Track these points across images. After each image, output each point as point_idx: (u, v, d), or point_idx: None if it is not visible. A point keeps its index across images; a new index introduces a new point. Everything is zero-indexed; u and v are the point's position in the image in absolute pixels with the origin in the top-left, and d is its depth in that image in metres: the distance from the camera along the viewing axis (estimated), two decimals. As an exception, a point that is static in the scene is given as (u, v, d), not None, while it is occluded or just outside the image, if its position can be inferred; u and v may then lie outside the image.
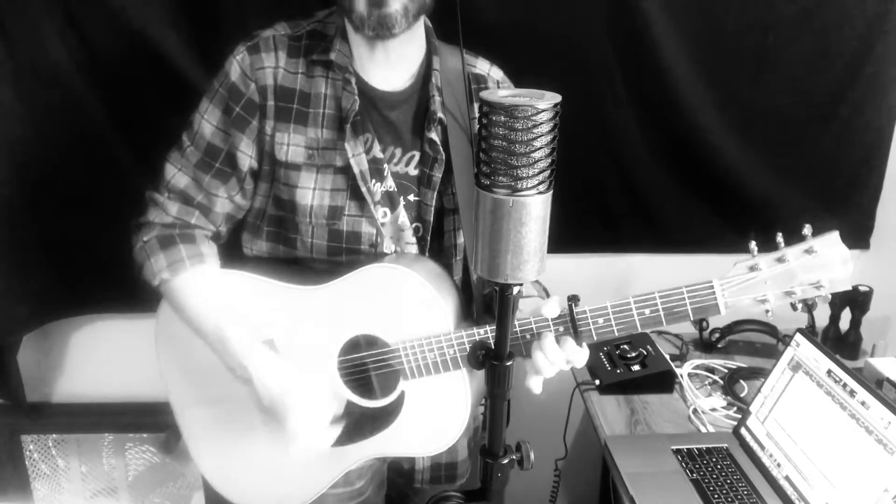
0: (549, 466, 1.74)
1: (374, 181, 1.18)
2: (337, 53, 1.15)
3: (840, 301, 1.74)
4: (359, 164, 1.16)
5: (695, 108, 1.72)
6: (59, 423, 1.87)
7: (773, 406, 1.41)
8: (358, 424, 1.20)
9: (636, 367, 1.64)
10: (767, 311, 1.05)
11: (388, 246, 1.21)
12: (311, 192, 1.17)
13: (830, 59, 1.73)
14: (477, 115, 1.10)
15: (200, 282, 1.17)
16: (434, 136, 1.18)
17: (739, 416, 1.52)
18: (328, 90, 1.16)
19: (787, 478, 1.31)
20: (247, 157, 1.17)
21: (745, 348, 1.83)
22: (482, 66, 1.27)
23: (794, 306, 1.05)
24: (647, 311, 1.06)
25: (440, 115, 1.18)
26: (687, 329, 1.81)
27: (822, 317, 1.78)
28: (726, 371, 1.71)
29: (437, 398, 1.17)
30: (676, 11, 1.64)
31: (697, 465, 1.38)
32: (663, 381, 1.64)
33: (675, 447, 1.42)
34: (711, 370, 1.73)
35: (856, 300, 1.73)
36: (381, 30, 1.07)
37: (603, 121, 1.73)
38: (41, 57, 1.51)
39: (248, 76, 1.14)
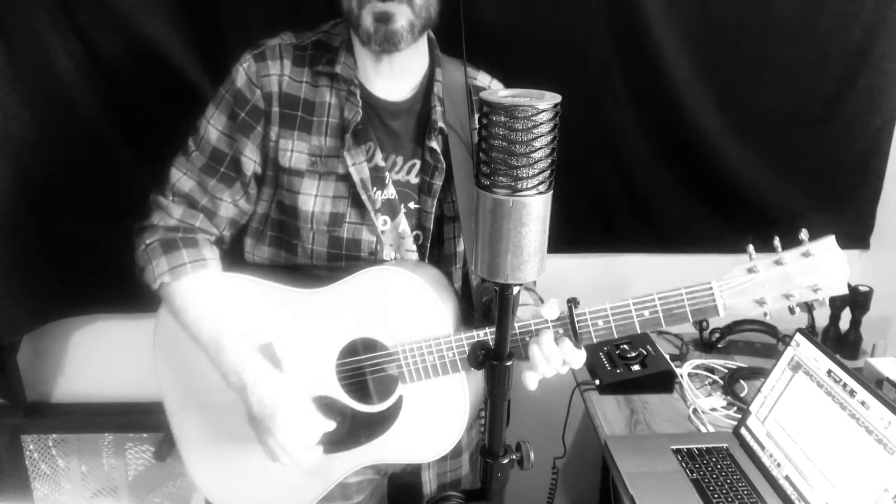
0: (548, 466, 1.74)
1: (375, 189, 1.19)
2: (342, 66, 1.17)
3: (840, 301, 1.74)
4: (359, 172, 1.17)
5: (695, 109, 1.73)
6: (59, 423, 1.87)
7: (773, 406, 1.41)
8: (355, 430, 1.19)
9: (636, 367, 1.64)
10: (766, 314, 1.06)
11: (387, 254, 1.22)
12: (313, 199, 1.18)
13: (831, 59, 1.73)
14: (477, 125, 1.11)
15: (201, 287, 1.18)
16: (435, 144, 1.19)
17: (739, 416, 1.52)
18: (332, 100, 1.17)
19: (787, 478, 1.31)
20: (251, 161, 1.18)
21: (745, 348, 1.83)
22: (483, 79, 1.29)
23: (791, 310, 1.05)
24: (646, 312, 1.06)
25: (441, 124, 1.19)
26: (687, 329, 1.80)
27: (823, 317, 1.78)
28: (726, 371, 1.71)
29: (436, 402, 1.17)
30: (677, 12, 1.64)
31: (697, 465, 1.38)
32: (663, 381, 1.64)
33: (675, 447, 1.42)
34: (711, 370, 1.73)
35: (856, 300, 1.73)
36: (387, 45, 1.09)
37: (603, 121, 1.73)
38: (41, 57, 1.51)
39: (253, 83, 1.15)
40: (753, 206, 1.83)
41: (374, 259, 1.21)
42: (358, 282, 1.14)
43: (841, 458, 1.23)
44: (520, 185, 0.75)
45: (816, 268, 1.03)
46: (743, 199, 1.82)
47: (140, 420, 1.82)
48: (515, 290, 0.84)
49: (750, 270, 1.05)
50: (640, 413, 1.57)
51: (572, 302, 1.06)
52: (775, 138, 1.79)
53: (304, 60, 1.17)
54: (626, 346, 1.68)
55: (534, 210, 0.76)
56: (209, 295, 1.18)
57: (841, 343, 1.78)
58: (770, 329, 1.81)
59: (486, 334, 1.12)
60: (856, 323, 1.77)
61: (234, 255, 1.28)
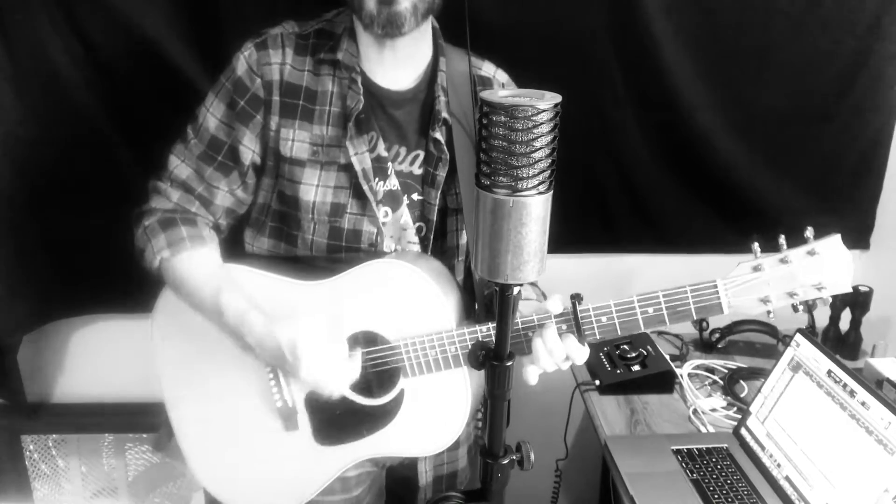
0: (550, 467, 1.74)
1: (377, 179, 1.19)
2: (344, 53, 1.16)
3: (840, 301, 1.74)
4: (361, 162, 1.16)
5: (695, 108, 1.73)
6: (59, 423, 1.87)
7: (773, 406, 1.41)
8: (356, 423, 1.19)
9: (636, 368, 1.64)
10: (769, 313, 1.06)
11: (388, 245, 1.22)
12: (314, 189, 1.18)
13: (830, 59, 1.73)
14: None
15: (199, 259, 1.17)
16: (438, 135, 1.18)
17: (739, 416, 1.52)
18: (334, 88, 1.16)
19: (787, 478, 1.31)
20: (249, 151, 1.18)
21: (745, 348, 1.83)
22: (488, 69, 1.28)
23: (795, 308, 1.05)
24: (650, 309, 1.06)
25: (445, 115, 1.18)
26: (687, 329, 1.81)
27: (823, 317, 1.78)
28: (726, 371, 1.71)
29: (437, 397, 1.17)
30: (677, 12, 1.64)
31: (697, 466, 1.38)
32: (663, 382, 1.64)
33: (675, 447, 1.42)
34: (711, 370, 1.73)
35: (856, 300, 1.73)
36: (390, 28, 1.07)
37: (603, 121, 1.73)
38: (41, 56, 1.51)
39: (254, 71, 1.15)
40: (753, 206, 1.83)
41: (375, 251, 1.21)
42: (360, 274, 1.14)
43: (841, 459, 1.23)
44: (520, 185, 0.75)
45: (821, 266, 1.03)
46: (743, 199, 1.82)
47: (140, 420, 1.82)
48: (516, 290, 0.85)
49: (755, 268, 1.05)
50: (640, 413, 1.57)
51: (576, 298, 1.05)
52: (775, 138, 1.79)
53: (306, 49, 1.17)
54: (626, 347, 1.68)
55: (534, 210, 0.76)
56: (208, 266, 1.17)
57: (841, 343, 1.78)
58: (770, 329, 1.81)
59: (489, 329, 1.11)
60: (856, 323, 1.77)
61: (234, 246, 1.28)
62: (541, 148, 0.74)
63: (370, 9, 1.07)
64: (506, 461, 0.91)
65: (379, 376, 1.19)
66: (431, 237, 1.23)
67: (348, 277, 1.15)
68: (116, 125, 1.59)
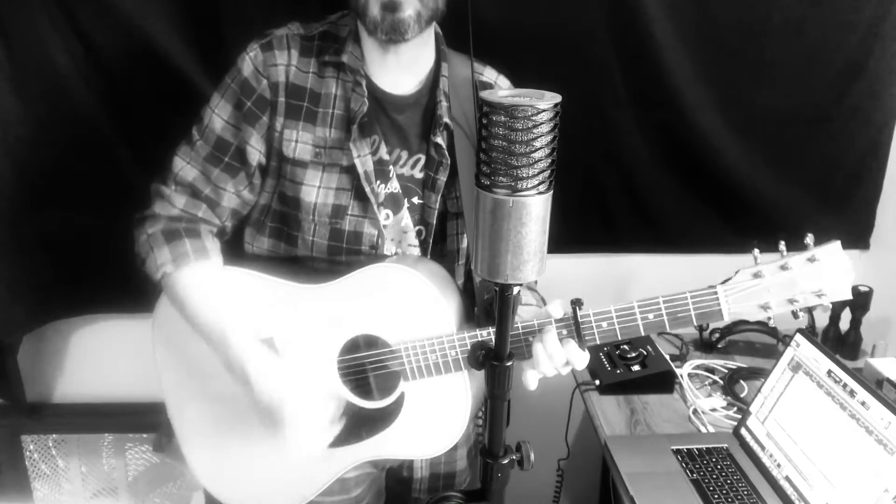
0: (552, 467, 1.74)
1: (379, 182, 1.19)
2: (349, 56, 1.16)
3: (840, 302, 1.74)
4: (363, 164, 1.16)
5: (695, 109, 1.72)
6: (59, 423, 1.87)
7: (773, 406, 1.41)
8: (356, 426, 1.20)
9: (636, 368, 1.64)
10: (770, 319, 1.05)
11: (388, 248, 1.22)
12: (316, 190, 1.18)
13: (830, 59, 1.73)
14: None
15: (203, 277, 1.17)
16: (440, 140, 1.19)
17: (739, 416, 1.52)
18: (338, 91, 1.17)
19: (787, 478, 1.31)
20: (256, 151, 1.18)
21: (745, 348, 1.83)
22: (490, 75, 1.29)
23: (795, 314, 1.05)
24: (650, 315, 1.06)
25: (446, 119, 1.19)
26: (687, 329, 1.80)
27: (822, 317, 1.78)
28: (726, 371, 1.71)
29: (437, 400, 1.17)
30: (677, 12, 1.64)
31: (697, 466, 1.38)
32: (663, 382, 1.64)
33: (675, 447, 1.42)
34: (711, 370, 1.73)
35: (856, 300, 1.73)
36: (393, 34, 1.08)
37: (603, 121, 1.73)
38: (41, 56, 1.51)
39: (260, 72, 1.15)
40: (753, 206, 1.83)
41: (375, 253, 1.21)
42: (360, 278, 1.14)
43: (841, 459, 1.23)
44: (520, 185, 0.75)
45: (821, 273, 1.03)
46: (743, 199, 1.82)
47: (140, 420, 1.82)
48: (515, 290, 0.85)
49: (755, 275, 1.04)
50: (640, 413, 1.57)
51: (576, 303, 1.05)
52: (775, 138, 1.79)
53: (311, 51, 1.17)
54: (626, 347, 1.68)
55: (534, 210, 0.76)
56: (211, 285, 1.17)
57: (841, 343, 1.78)
58: (770, 329, 1.81)
59: (489, 333, 1.11)
60: (856, 323, 1.77)
61: (233, 246, 1.28)
62: (541, 148, 0.74)
63: (374, 15, 1.07)
64: (506, 461, 0.91)
65: (379, 379, 1.19)
66: (431, 241, 1.23)
67: (349, 281, 1.15)
68: (116, 125, 1.59)
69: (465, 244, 1.28)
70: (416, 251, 1.24)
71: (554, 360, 1.05)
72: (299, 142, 1.17)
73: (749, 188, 1.81)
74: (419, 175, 1.22)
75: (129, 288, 1.52)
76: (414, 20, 1.07)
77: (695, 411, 1.57)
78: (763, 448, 1.39)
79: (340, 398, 1.18)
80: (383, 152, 1.19)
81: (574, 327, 1.06)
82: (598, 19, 1.63)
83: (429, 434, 1.19)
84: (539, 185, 0.75)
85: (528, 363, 1.08)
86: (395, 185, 1.21)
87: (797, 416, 1.35)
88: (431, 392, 1.17)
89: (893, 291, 1.82)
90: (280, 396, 1.12)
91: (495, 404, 0.90)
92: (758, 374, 1.68)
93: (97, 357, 1.87)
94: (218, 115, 1.18)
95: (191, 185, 1.19)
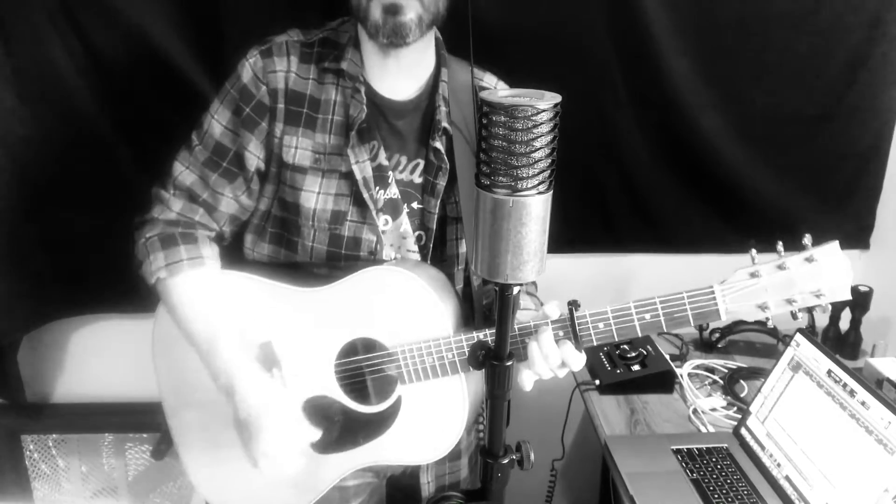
0: (546, 467, 1.74)
1: (377, 188, 1.19)
2: (348, 63, 1.17)
3: (840, 301, 1.74)
4: (362, 171, 1.17)
5: (695, 109, 1.72)
6: (59, 423, 1.87)
7: (773, 406, 1.41)
8: (352, 431, 1.19)
9: (636, 367, 1.64)
10: (768, 319, 1.05)
11: (387, 254, 1.22)
12: (315, 196, 1.18)
13: (830, 59, 1.73)
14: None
15: (196, 285, 1.17)
16: (439, 145, 1.19)
17: (739, 416, 1.52)
18: (338, 97, 1.17)
19: (787, 478, 1.31)
20: (254, 157, 1.18)
21: (745, 348, 1.83)
22: (489, 80, 1.29)
23: (794, 315, 1.05)
24: (647, 315, 1.06)
25: (445, 124, 1.19)
26: (687, 329, 1.81)
27: (822, 317, 1.78)
28: (726, 371, 1.71)
29: (435, 404, 1.17)
30: (677, 11, 1.64)
31: (697, 465, 1.38)
32: (663, 381, 1.64)
33: (675, 447, 1.42)
34: (711, 370, 1.73)
35: (856, 300, 1.73)
36: (395, 38, 1.08)
37: (603, 121, 1.73)
38: (40, 56, 1.51)
39: (259, 79, 1.15)
40: (753, 206, 1.83)
41: (374, 259, 1.21)
42: (358, 281, 1.14)
43: (841, 459, 1.23)
44: (520, 185, 0.75)
45: (820, 273, 1.03)
46: (743, 199, 1.82)
47: (140, 420, 1.82)
48: (515, 290, 0.85)
49: (753, 275, 1.04)
50: (640, 413, 1.57)
51: (573, 304, 1.05)
52: (775, 138, 1.79)
53: (310, 57, 1.17)
54: (626, 347, 1.68)
55: (534, 210, 0.76)
56: (204, 293, 1.18)
57: (841, 343, 1.78)
58: (770, 329, 1.81)
59: (487, 335, 1.11)
60: (856, 323, 1.76)
61: (234, 252, 1.28)
62: (541, 148, 0.74)
63: (376, 19, 1.07)
64: (506, 461, 0.91)
65: (376, 383, 1.19)
66: (431, 246, 1.23)
67: (346, 284, 1.15)
68: (116, 125, 1.59)
69: (464, 249, 1.28)
70: (416, 256, 1.24)
71: (549, 361, 1.05)
72: (299, 148, 1.17)
73: (749, 188, 1.81)
74: (418, 180, 1.22)
75: (129, 288, 1.51)
76: (415, 24, 1.07)
77: (695, 411, 1.57)
78: (763, 448, 1.39)
79: (333, 408, 1.18)
80: (382, 158, 1.19)
81: (570, 328, 1.06)
82: (598, 19, 1.63)
83: (426, 438, 1.19)
84: (539, 185, 0.76)
85: (524, 364, 1.08)
86: (394, 191, 1.21)
87: (797, 416, 1.35)
88: (428, 396, 1.16)
89: (893, 291, 1.82)
90: (259, 412, 1.11)
91: (495, 404, 0.90)
92: (758, 373, 1.68)
93: (97, 357, 1.87)
94: (217, 121, 1.18)
95: (189, 190, 1.19)
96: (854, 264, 1.04)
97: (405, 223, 1.22)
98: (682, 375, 1.68)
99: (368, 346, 1.17)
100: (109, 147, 1.60)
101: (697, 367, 1.74)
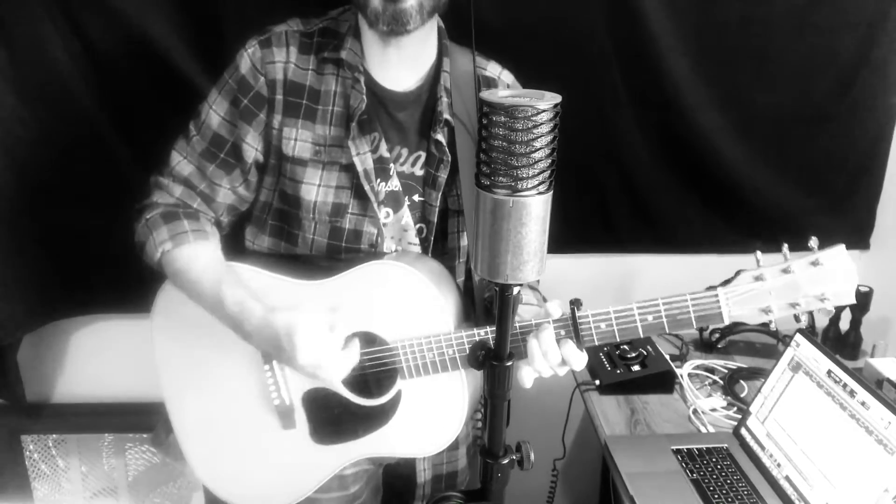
0: (548, 467, 1.74)
1: (379, 180, 1.19)
2: (348, 52, 1.16)
3: (841, 303, 1.75)
4: (363, 162, 1.16)
5: (695, 108, 1.72)
6: (59, 423, 1.87)
7: (773, 406, 1.41)
8: (353, 423, 1.19)
9: (636, 368, 1.64)
10: (771, 322, 1.05)
11: (388, 246, 1.22)
12: (316, 189, 1.17)
13: (830, 59, 1.73)
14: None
15: (202, 253, 1.17)
16: (440, 137, 1.18)
17: (739, 416, 1.52)
18: (338, 88, 1.16)
19: (787, 478, 1.31)
20: (252, 149, 1.18)
21: (745, 348, 1.83)
22: (493, 70, 1.27)
23: (797, 318, 1.04)
24: (650, 317, 1.05)
25: (447, 116, 1.18)
26: (687, 330, 1.80)
27: (822, 317, 1.78)
28: (726, 371, 1.71)
29: (434, 398, 1.17)
30: (676, 11, 1.64)
31: (697, 466, 1.38)
32: (663, 382, 1.64)
33: (675, 447, 1.42)
34: (711, 370, 1.73)
35: (856, 300, 1.73)
36: (395, 25, 1.06)
37: (603, 121, 1.73)
38: (40, 55, 1.51)
39: (258, 69, 1.14)
40: (754, 206, 1.83)
41: (375, 251, 1.21)
42: (359, 275, 1.14)
43: (841, 459, 1.23)
44: (520, 186, 0.75)
45: (825, 277, 1.01)
46: (743, 199, 1.82)
47: (140, 420, 1.82)
48: (516, 290, 0.85)
49: (757, 278, 1.03)
50: (640, 413, 1.57)
51: (575, 303, 1.05)
52: (775, 138, 1.79)
53: (310, 48, 1.16)
54: (626, 347, 1.68)
55: (534, 210, 0.76)
56: (210, 259, 1.17)
57: (841, 343, 1.78)
58: (770, 330, 1.80)
59: (487, 332, 1.11)
60: (856, 323, 1.76)
61: (234, 244, 1.28)
62: (541, 148, 0.74)
63: (375, 6, 1.05)
64: (506, 461, 0.91)
65: (377, 377, 1.19)
66: (432, 238, 1.23)
67: (347, 278, 1.14)
68: (116, 125, 1.59)
69: (465, 242, 1.27)
70: (417, 249, 1.24)
71: (549, 358, 1.04)
72: (298, 140, 1.16)
73: (749, 188, 1.81)
74: (420, 172, 1.22)
75: (129, 288, 1.52)
76: (416, 10, 1.05)
77: (695, 411, 1.57)
78: (763, 448, 1.39)
79: (333, 400, 1.18)
80: (383, 150, 1.18)
81: (572, 328, 1.06)
82: (599, 19, 1.63)
83: (425, 432, 1.19)
84: (539, 185, 0.76)
85: (524, 361, 1.07)
86: (395, 183, 1.20)
87: (797, 416, 1.35)
88: (428, 390, 1.16)
89: (893, 291, 1.82)
90: (288, 320, 1.06)
91: (495, 404, 0.90)
92: (758, 374, 1.68)
93: (97, 357, 1.87)
94: (215, 112, 1.18)
95: (186, 180, 1.19)
96: (854, 264, 1.03)
97: (406, 216, 1.22)
98: (682, 376, 1.68)
99: (369, 340, 1.17)
100: (109, 147, 1.60)
101: (697, 367, 1.74)
